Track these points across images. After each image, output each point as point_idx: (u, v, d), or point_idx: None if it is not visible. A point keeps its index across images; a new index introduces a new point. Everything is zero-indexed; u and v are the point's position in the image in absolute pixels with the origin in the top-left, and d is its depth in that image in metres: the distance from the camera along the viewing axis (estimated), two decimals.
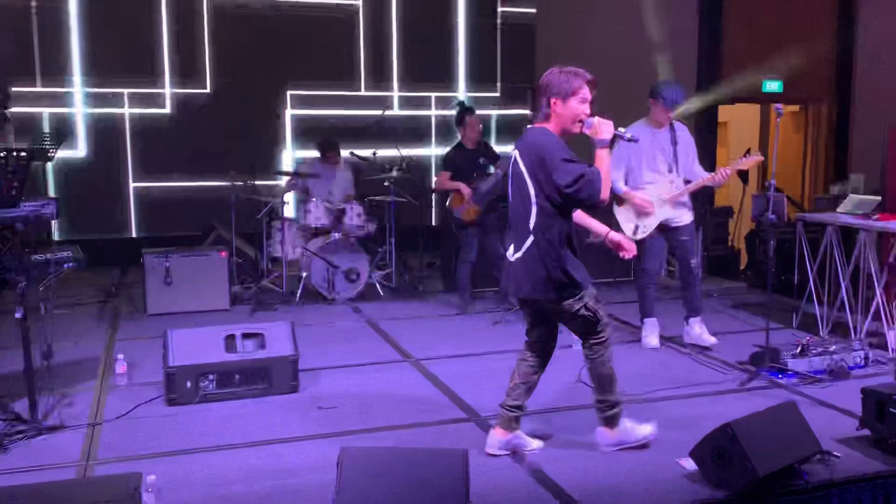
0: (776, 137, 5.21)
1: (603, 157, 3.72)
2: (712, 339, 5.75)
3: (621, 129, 3.84)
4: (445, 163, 7.04)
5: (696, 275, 5.84)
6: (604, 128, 3.70)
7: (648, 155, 5.64)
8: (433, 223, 9.79)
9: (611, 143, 3.78)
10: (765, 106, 11.29)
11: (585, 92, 3.71)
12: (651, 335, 5.88)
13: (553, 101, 3.70)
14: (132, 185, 9.31)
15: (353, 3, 9.91)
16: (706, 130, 10.23)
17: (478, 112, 7.26)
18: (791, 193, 10.71)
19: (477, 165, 6.82)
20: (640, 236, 5.65)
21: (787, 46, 10.55)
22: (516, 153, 3.80)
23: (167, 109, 9.33)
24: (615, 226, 5.56)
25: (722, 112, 10.79)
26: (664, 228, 5.72)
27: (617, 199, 5.73)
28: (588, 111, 3.73)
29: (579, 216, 4.00)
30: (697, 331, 5.81)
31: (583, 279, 3.80)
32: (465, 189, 6.72)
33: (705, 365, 5.43)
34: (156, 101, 9.30)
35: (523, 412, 4.01)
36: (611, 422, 3.98)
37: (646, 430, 4.02)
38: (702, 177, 5.66)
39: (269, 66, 9.52)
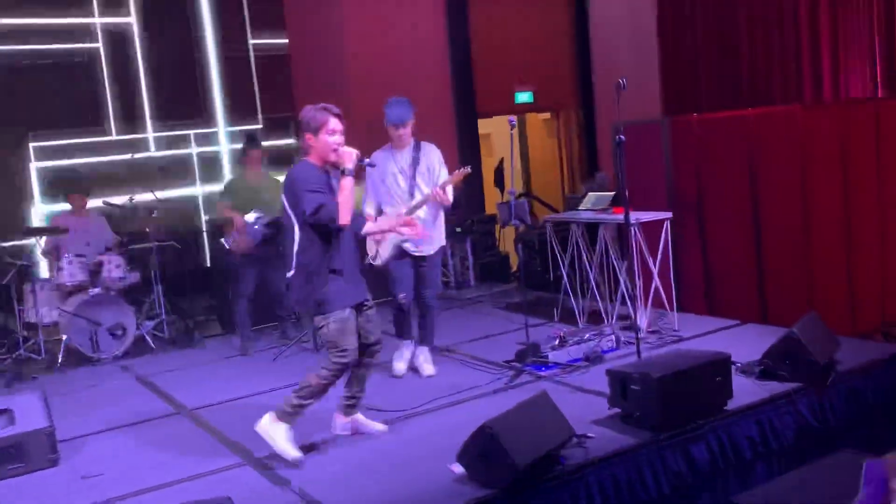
0: (512, 147, 5.55)
1: (345, 185, 4.09)
2: (431, 370, 5.62)
3: (365, 159, 4.28)
4: (224, 193, 6.88)
5: (431, 307, 5.65)
6: (346, 157, 4.11)
7: (388, 178, 5.44)
8: (208, 264, 9.47)
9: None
10: (519, 117, 11.98)
11: (333, 124, 4.12)
12: (398, 361, 5.69)
13: (307, 136, 4.13)
14: None
15: (93, 45, 9.39)
16: (467, 144, 10.68)
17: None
18: (550, 195, 11.45)
19: (257, 200, 6.66)
20: (379, 263, 5.50)
21: (534, 58, 11.31)
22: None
23: None
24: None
25: (482, 125, 11.31)
26: (407, 255, 5.50)
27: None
28: (339, 141, 4.13)
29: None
30: (422, 360, 5.67)
31: (333, 302, 4.12)
32: (239, 220, 6.57)
33: (478, 368, 5.65)
34: None
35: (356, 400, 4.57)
36: (280, 414, 4.26)
37: (294, 453, 4.22)
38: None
39: (4, 119, 8.73)
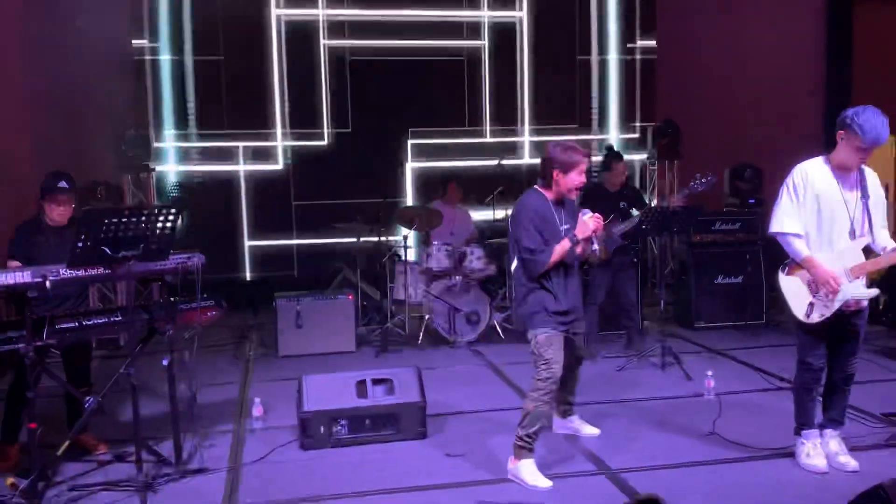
0: None
1: (563, 245, 4.29)
2: (853, 463, 4.31)
3: (595, 246, 4.37)
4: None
5: (853, 377, 4.40)
6: (582, 228, 4.27)
7: (827, 207, 4.19)
8: None
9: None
10: None
11: (583, 166, 4.36)
12: (815, 455, 4.37)
13: (556, 172, 4.34)
14: (248, 243, 9.53)
15: (478, 43, 9.71)
16: None
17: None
18: None
19: (615, 208, 6.70)
20: (815, 320, 4.20)
21: None
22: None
23: (279, 165, 9.52)
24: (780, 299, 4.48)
25: None
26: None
27: (787, 265, 4.37)
28: (584, 180, 4.40)
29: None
30: (834, 448, 4.41)
31: (544, 320, 4.30)
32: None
33: (851, 417, 5.12)
34: (271, 154, 9.52)
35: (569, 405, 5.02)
36: (516, 452, 4.32)
37: (541, 481, 4.22)
38: (885, 252, 4.17)
39: (389, 115, 9.57)
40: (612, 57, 10.26)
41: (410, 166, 9.77)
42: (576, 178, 4.34)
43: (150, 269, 4.37)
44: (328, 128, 9.57)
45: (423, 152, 9.75)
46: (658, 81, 10.19)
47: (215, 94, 9.38)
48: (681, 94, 9.96)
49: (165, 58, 9.28)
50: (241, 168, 9.52)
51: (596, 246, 4.38)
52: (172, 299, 4.63)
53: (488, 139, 9.90)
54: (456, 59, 9.79)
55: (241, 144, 9.47)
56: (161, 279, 4.65)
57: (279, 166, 9.59)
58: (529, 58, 9.89)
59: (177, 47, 9.28)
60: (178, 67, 9.34)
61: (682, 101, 9.92)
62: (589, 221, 4.28)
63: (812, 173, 4.23)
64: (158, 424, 5.03)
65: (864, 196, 4.20)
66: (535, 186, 4.50)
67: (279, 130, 9.55)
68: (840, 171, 4.20)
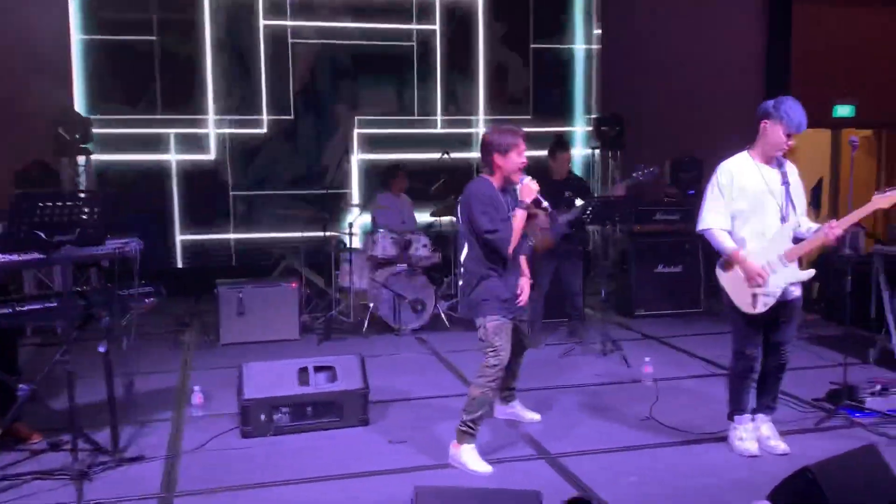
0: (851, 171, 5.10)
1: (517, 216, 4.34)
2: (782, 447, 4.48)
3: (543, 202, 4.42)
4: None
5: (786, 364, 4.53)
6: (526, 191, 4.34)
7: (756, 200, 4.30)
8: None
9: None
10: (836, 132, 11.07)
11: (522, 146, 4.37)
12: (748, 439, 4.50)
13: (496, 156, 4.35)
14: (179, 237, 9.24)
15: (431, 27, 9.42)
16: None
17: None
18: (862, 220, 10.43)
19: (561, 197, 6.75)
20: (760, 310, 4.28)
21: (859, 69, 10.40)
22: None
23: (212, 154, 9.18)
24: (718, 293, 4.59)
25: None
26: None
27: (723, 261, 4.42)
28: (525, 161, 4.36)
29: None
30: (765, 432, 4.56)
31: (494, 306, 4.33)
32: (542, 217, 6.63)
33: (783, 403, 5.28)
34: (204, 142, 9.15)
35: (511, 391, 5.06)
36: (459, 437, 4.36)
37: (482, 467, 4.27)
38: (809, 235, 4.30)
39: (333, 102, 9.37)
40: (574, 47, 10.18)
41: (357, 158, 9.56)
42: (516, 159, 4.35)
43: (86, 254, 4.28)
44: (267, 114, 9.32)
45: (370, 143, 9.52)
46: (601, 72, 10.29)
47: (147, 78, 9.00)
48: (624, 86, 10.08)
49: (95, 38, 8.87)
50: (173, 157, 9.13)
51: (546, 203, 4.42)
52: (109, 285, 4.54)
53: (439, 130, 9.76)
54: (406, 45, 9.58)
55: (172, 131, 9.06)
56: (98, 265, 4.56)
57: (212, 155, 9.23)
58: (485, 44, 9.66)
59: (109, 28, 8.90)
60: (110, 49, 8.96)
61: (626, 92, 10.03)
62: (530, 184, 4.33)
63: (736, 170, 4.35)
64: (95, 412, 4.91)
65: (785, 182, 4.32)
66: (481, 174, 4.52)
67: (211, 117, 9.15)
68: (763, 161, 4.32)
